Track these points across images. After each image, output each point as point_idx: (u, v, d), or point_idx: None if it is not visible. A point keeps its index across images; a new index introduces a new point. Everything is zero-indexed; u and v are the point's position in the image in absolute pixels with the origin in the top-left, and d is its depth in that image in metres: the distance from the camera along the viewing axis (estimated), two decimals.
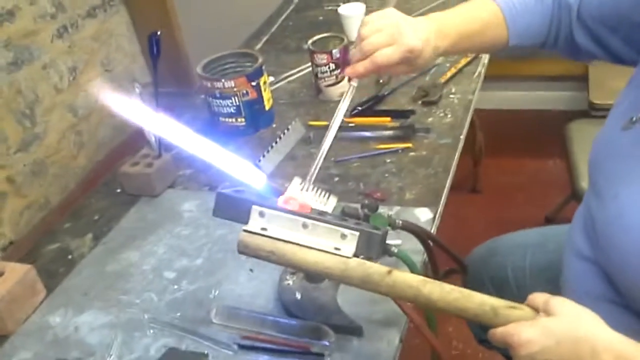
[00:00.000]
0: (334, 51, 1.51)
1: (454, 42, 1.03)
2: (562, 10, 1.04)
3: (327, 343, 0.93)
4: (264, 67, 1.47)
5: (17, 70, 2.65)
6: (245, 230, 0.82)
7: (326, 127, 1.44)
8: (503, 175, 2.65)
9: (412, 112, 1.47)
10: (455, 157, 1.32)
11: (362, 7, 1.84)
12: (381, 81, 1.60)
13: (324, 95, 1.59)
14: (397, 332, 0.96)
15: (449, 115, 1.45)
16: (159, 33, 1.26)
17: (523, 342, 0.70)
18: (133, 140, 3.06)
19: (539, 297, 0.75)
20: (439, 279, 0.78)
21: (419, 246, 1.05)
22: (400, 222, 0.98)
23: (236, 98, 1.44)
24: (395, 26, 0.97)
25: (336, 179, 1.31)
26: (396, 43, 0.96)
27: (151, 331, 1.02)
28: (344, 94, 1.03)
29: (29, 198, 2.73)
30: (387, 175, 1.30)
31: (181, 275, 1.13)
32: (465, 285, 0.78)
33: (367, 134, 1.41)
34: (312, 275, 1.01)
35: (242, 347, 0.97)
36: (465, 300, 0.75)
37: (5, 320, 1.05)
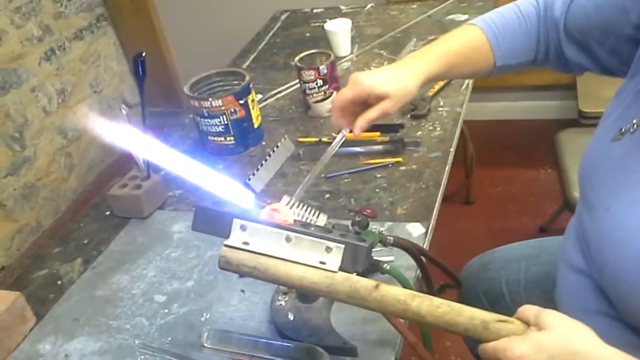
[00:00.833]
0: (321, 67, 1.50)
1: (440, 72, 1.07)
2: (549, 25, 1.04)
3: None
4: (251, 85, 1.47)
5: (5, 94, 2.64)
6: (226, 245, 0.79)
7: (316, 144, 1.45)
8: (495, 186, 2.64)
9: (402, 126, 1.47)
10: (446, 171, 1.31)
11: (348, 23, 1.84)
12: None
13: (312, 111, 1.58)
14: (392, 351, 0.95)
15: (438, 129, 1.45)
16: (143, 54, 1.25)
17: (515, 358, 0.69)
18: (124, 160, 3.05)
19: (529, 310, 0.74)
20: (433, 295, 0.76)
21: (411, 262, 1.04)
22: (392, 238, 0.97)
23: (224, 117, 1.43)
24: (354, 77, 1.05)
25: (327, 195, 1.30)
26: (352, 85, 1.05)
27: (142, 357, 1.01)
28: (335, 140, 1.11)
29: (20, 222, 2.71)
30: (378, 190, 1.29)
31: (172, 298, 1.12)
32: (460, 300, 0.77)
33: (357, 149, 1.41)
34: (304, 295, 1.00)
35: None
36: (455, 315, 0.74)
37: None
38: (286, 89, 1.75)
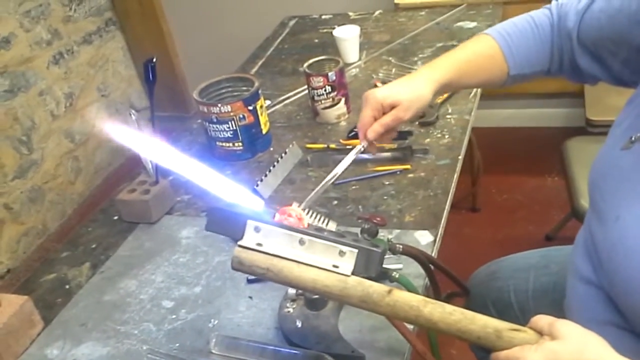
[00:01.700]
0: (329, 74, 1.51)
1: (452, 80, 1.09)
2: (562, 36, 1.04)
3: None
4: (260, 91, 1.47)
5: (13, 97, 2.65)
6: (240, 246, 0.79)
7: (324, 150, 1.45)
8: (502, 193, 2.64)
9: (410, 133, 1.47)
10: (454, 179, 1.31)
11: (356, 29, 1.85)
12: None
13: (320, 117, 1.58)
14: (400, 359, 0.94)
15: (447, 136, 1.45)
16: (154, 59, 1.26)
17: None
18: (130, 164, 3.07)
19: (542, 320, 0.73)
20: None
21: (420, 270, 1.03)
22: (401, 247, 0.97)
23: (233, 122, 1.43)
24: (368, 95, 1.10)
25: (335, 202, 1.30)
26: (368, 103, 1.10)
27: None
28: (353, 150, 1.13)
29: (26, 225, 2.71)
30: (386, 197, 1.29)
31: (179, 304, 1.12)
32: (467, 308, 0.76)
33: (365, 155, 1.41)
34: (313, 302, 1.00)
35: None
36: (468, 322, 0.74)
37: (2, 353, 1.03)
38: (294, 95, 1.75)
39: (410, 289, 0.93)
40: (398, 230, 1.19)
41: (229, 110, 1.42)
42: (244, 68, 1.98)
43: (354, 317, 1.01)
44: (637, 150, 0.84)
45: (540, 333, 0.72)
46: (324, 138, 1.52)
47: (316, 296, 0.98)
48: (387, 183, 1.33)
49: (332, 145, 1.47)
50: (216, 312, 1.08)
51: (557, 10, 1.06)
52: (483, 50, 1.09)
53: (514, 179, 2.69)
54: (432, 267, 1.04)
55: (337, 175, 1.11)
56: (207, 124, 1.47)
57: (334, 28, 1.90)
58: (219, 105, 1.42)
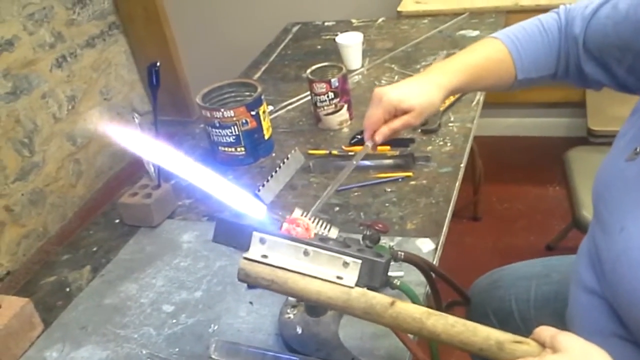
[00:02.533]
0: (332, 80, 1.51)
1: (462, 85, 1.09)
2: (569, 41, 1.04)
3: None
4: (263, 97, 1.47)
5: (16, 100, 2.65)
6: (245, 258, 0.80)
7: (326, 157, 1.45)
8: (503, 202, 2.64)
9: (412, 140, 1.47)
10: (456, 187, 1.31)
11: (359, 36, 1.85)
12: None
13: (323, 123, 1.58)
14: None
15: (449, 144, 1.45)
16: (158, 64, 1.26)
17: None
18: (132, 167, 3.07)
19: (545, 332, 0.73)
20: (442, 311, 0.76)
21: (421, 278, 1.03)
22: (403, 254, 0.97)
23: (236, 127, 1.43)
24: (379, 93, 1.09)
25: (336, 208, 1.30)
26: (379, 103, 1.09)
27: None
28: (360, 152, 1.13)
29: (27, 227, 2.71)
30: (387, 204, 1.29)
31: (180, 308, 1.11)
32: (468, 317, 0.76)
33: (367, 162, 1.41)
34: (313, 308, 1.00)
35: None
36: (470, 334, 0.74)
37: (1, 355, 1.03)
38: (297, 100, 1.75)
39: (411, 296, 0.92)
40: (400, 238, 1.18)
41: (232, 115, 1.42)
42: (247, 73, 1.98)
43: (355, 324, 1.00)
44: None
45: (543, 345, 0.72)
46: (326, 144, 1.53)
47: None
48: (388, 190, 1.33)
49: (334, 152, 1.47)
50: (216, 317, 1.08)
51: (565, 14, 1.06)
52: (493, 54, 1.08)
53: (515, 188, 2.69)
54: (433, 275, 1.04)
55: (344, 177, 1.11)
56: (209, 128, 1.47)
57: (336, 35, 1.91)
58: (222, 110, 1.42)
